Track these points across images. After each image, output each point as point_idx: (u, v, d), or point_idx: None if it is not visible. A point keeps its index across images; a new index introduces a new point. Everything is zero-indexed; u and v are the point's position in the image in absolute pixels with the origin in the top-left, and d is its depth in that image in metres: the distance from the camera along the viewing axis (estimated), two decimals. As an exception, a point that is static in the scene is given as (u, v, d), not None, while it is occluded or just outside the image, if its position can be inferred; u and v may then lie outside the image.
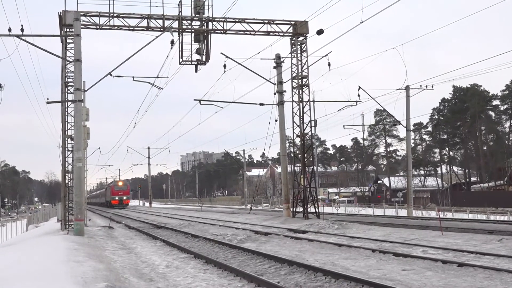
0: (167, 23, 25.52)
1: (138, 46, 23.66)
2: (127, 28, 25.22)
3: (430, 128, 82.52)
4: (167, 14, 25.54)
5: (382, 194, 78.70)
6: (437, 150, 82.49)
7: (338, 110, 37.23)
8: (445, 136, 79.12)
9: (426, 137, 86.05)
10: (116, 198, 79.82)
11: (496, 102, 72.63)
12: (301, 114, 28.33)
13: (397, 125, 76.91)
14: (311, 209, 28.13)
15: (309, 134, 29.23)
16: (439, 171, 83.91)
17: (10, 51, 22.04)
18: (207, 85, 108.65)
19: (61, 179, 25.93)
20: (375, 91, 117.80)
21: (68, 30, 23.81)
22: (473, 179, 78.69)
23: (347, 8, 22.14)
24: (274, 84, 31.05)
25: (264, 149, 78.54)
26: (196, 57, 26.96)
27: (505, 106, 71.13)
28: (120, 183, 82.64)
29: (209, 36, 26.81)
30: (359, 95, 34.83)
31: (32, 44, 22.20)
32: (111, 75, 24.97)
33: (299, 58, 28.30)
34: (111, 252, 16.00)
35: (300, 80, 28.32)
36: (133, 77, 28.57)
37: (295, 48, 28.36)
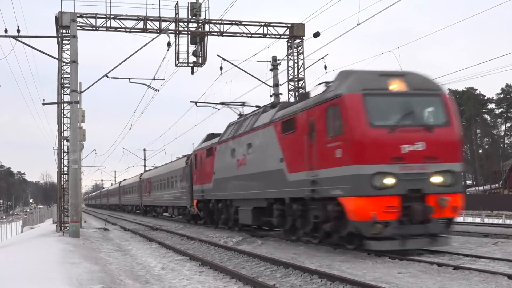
0: (163, 25, 25.50)
1: (134, 47, 23.71)
2: (123, 29, 25.20)
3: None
4: (163, 16, 25.52)
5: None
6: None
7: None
8: (441, 139, 79.27)
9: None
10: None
11: (491, 106, 73.11)
12: (297, 117, 28.31)
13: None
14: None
15: (305, 136, 29.20)
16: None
17: (6, 52, 21.92)
18: (204, 86, 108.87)
19: (56, 181, 25.87)
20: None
21: (64, 31, 23.76)
22: (469, 182, 78.99)
23: (343, 10, 22.26)
24: (271, 86, 31.01)
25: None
26: (192, 59, 26.92)
27: (500, 110, 71.56)
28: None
29: (206, 38, 26.81)
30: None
31: (28, 45, 22.11)
32: (107, 77, 24.89)
33: (296, 61, 28.32)
34: (106, 254, 15.96)
35: (296, 83, 28.35)
36: (129, 78, 28.48)
37: (291, 51, 28.37)
